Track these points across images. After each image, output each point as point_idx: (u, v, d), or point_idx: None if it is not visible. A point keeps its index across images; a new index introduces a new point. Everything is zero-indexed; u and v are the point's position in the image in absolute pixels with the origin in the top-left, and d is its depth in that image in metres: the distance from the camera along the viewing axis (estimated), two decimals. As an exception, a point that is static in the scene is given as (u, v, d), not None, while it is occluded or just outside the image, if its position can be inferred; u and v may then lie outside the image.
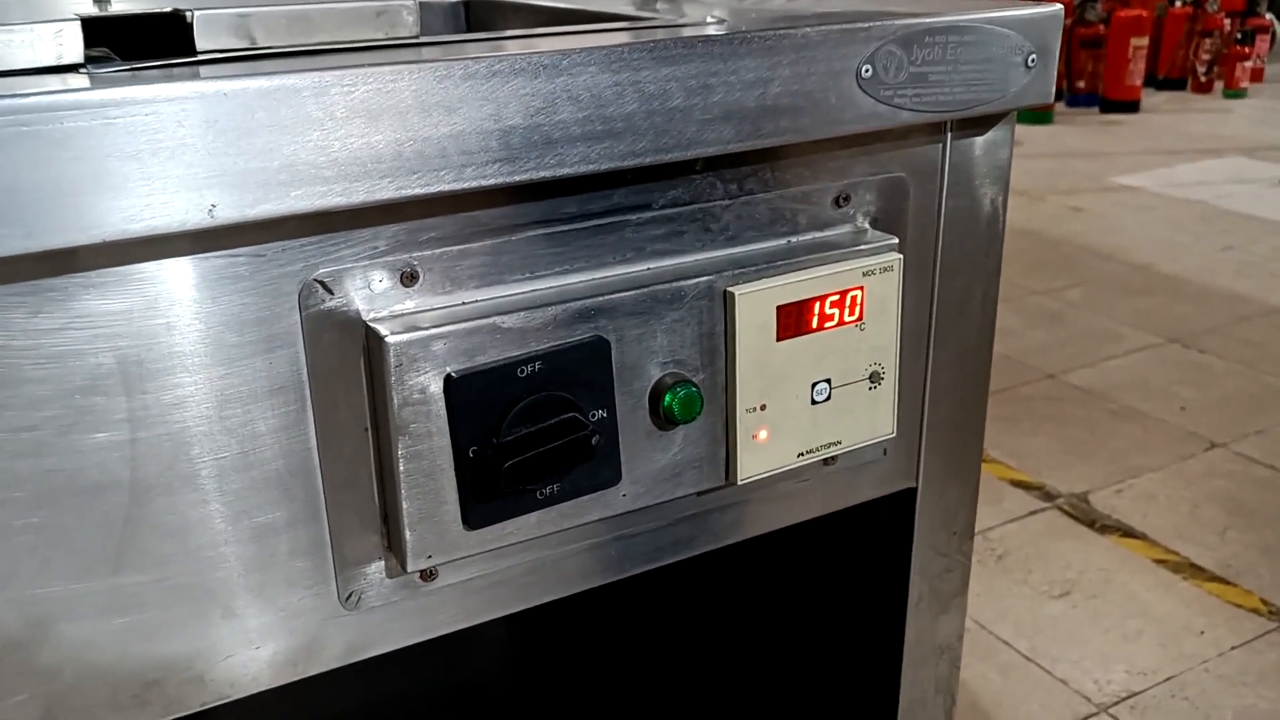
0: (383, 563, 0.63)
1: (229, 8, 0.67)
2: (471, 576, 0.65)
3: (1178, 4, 7.94)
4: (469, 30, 1.19)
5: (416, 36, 0.71)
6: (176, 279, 0.54)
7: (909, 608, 0.85)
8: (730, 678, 0.79)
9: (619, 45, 0.59)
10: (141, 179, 0.48)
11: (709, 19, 0.76)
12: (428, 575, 0.64)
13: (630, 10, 0.87)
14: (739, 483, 0.68)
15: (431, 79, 0.54)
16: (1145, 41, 7.37)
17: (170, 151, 0.49)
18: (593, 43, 0.63)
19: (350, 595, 0.63)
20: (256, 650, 0.62)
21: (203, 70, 0.58)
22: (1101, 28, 7.61)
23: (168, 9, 0.70)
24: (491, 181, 0.56)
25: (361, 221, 0.57)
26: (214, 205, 0.50)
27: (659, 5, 1.00)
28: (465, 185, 0.56)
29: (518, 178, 0.57)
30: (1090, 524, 2.29)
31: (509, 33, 0.73)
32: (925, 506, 0.82)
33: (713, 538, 0.73)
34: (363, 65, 0.53)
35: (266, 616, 0.61)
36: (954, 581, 0.86)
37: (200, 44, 0.66)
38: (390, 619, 0.64)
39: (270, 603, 0.61)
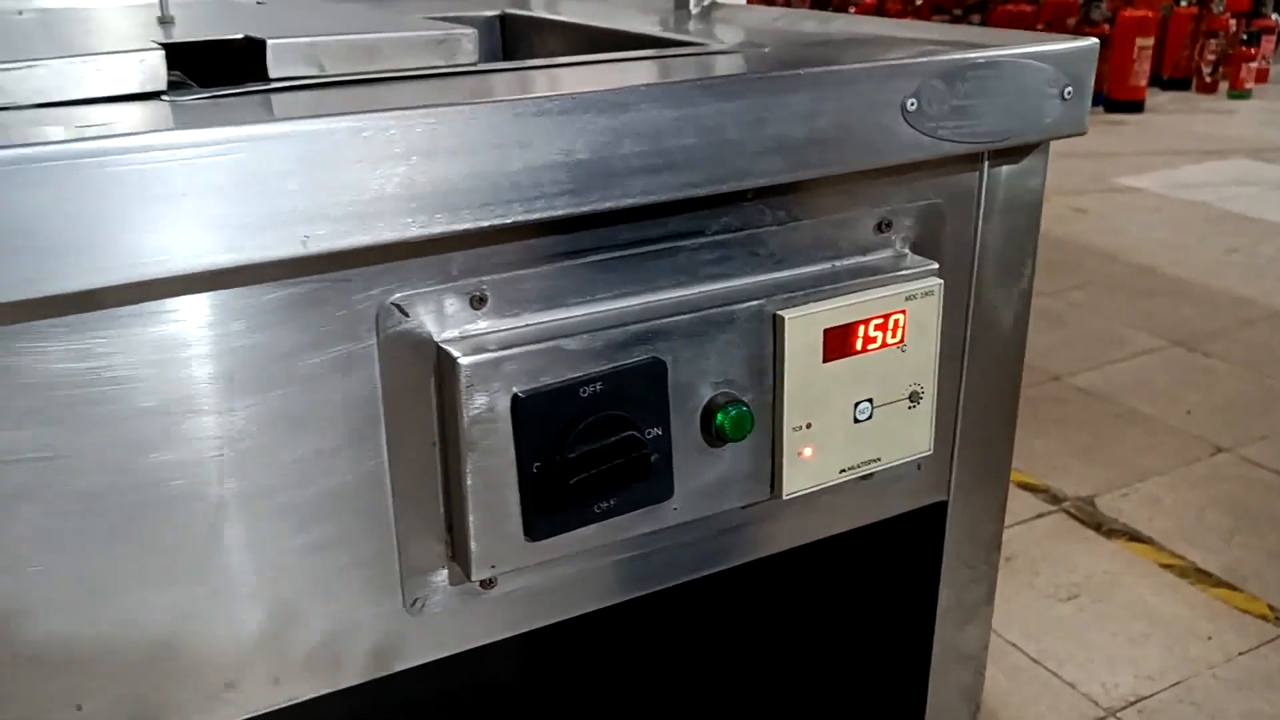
0: (445, 571, 0.66)
1: (299, 35, 0.70)
2: (527, 584, 0.68)
3: (1183, 4, 7.96)
4: (505, 46, 1.22)
5: (475, 64, 0.74)
6: (266, 303, 0.57)
7: (937, 617, 0.88)
8: (764, 683, 0.82)
9: (681, 82, 0.62)
10: (242, 212, 0.51)
11: (757, 45, 0.79)
12: (487, 583, 0.67)
13: (673, 34, 0.90)
14: (784, 497, 0.70)
15: (510, 116, 0.57)
16: (1150, 41, 7.39)
17: (268, 186, 0.51)
18: (653, 76, 0.66)
19: (415, 601, 0.66)
20: (325, 654, 0.64)
21: (283, 100, 0.61)
22: (1106, 27, 7.63)
23: (237, 35, 0.73)
24: (560, 212, 0.59)
25: (436, 248, 0.60)
26: (308, 236, 0.53)
27: (691, 26, 1.03)
28: (536, 216, 0.59)
29: (583, 208, 0.60)
30: (1097, 527, 2.32)
31: (562, 60, 0.75)
32: (955, 519, 0.85)
33: (753, 549, 0.76)
34: (446, 104, 0.55)
35: (335, 622, 0.64)
36: (980, 591, 0.89)
37: (272, 71, 0.68)
38: (451, 624, 0.67)
39: (339, 609, 0.64)
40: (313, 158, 0.52)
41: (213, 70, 0.75)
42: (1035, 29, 8.24)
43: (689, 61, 0.73)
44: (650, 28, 1.00)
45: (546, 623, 0.70)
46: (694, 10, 1.12)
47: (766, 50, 0.78)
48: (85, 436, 0.55)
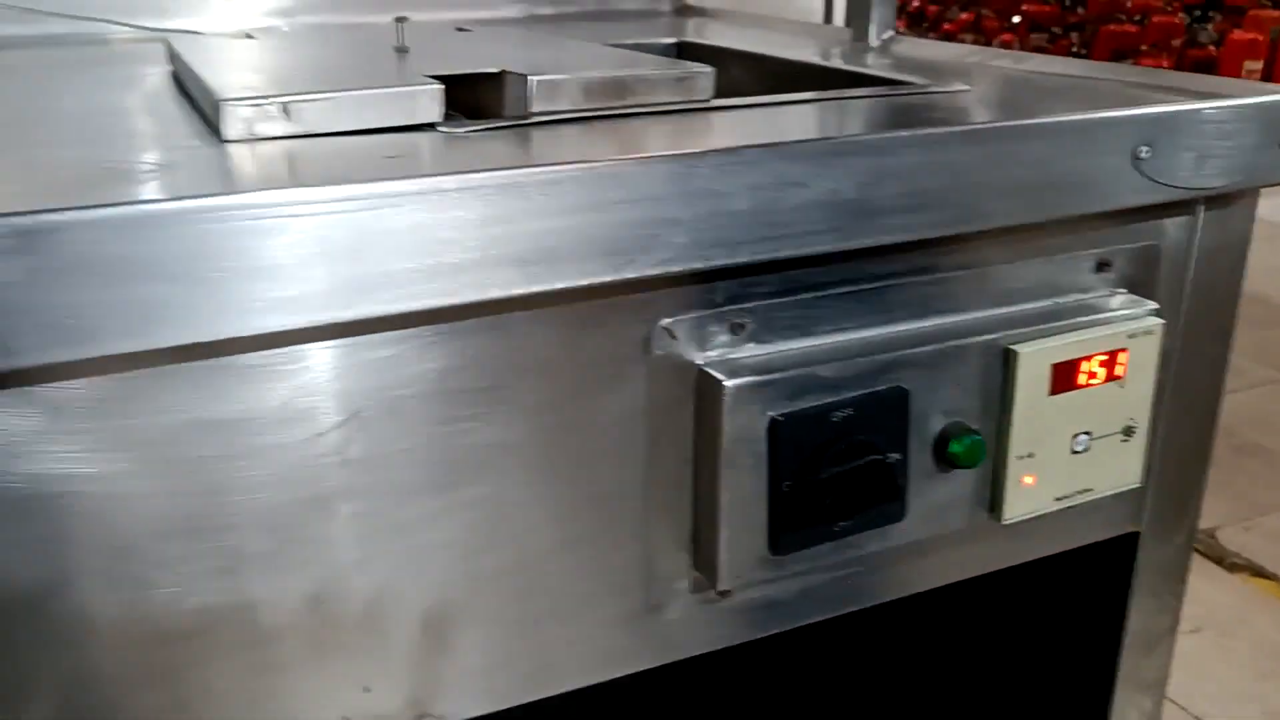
0: (687, 579, 0.70)
1: (552, 72, 0.74)
2: (760, 595, 0.72)
3: (1293, 28, 7.79)
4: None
5: (708, 100, 0.78)
6: (550, 321, 0.62)
7: (1123, 644, 0.90)
8: (955, 701, 0.86)
9: (938, 129, 0.65)
10: (562, 247, 0.56)
11: (966, 86, 0.82)
12: (724, 592, 0.71)
13: (878, 70, 0.94)
14: (1003, 523, 0.74)
15: (785, 158, 0.61)
16: (1259, 65, 7.26)
17: (573, 219, 0.56)
18: (890, 117, 0.70)
19: (655, 608, 0.70)
20: (573, 652, 0.69)
21: (554, 135, 0.66)
22: (1213, 49, 7.51)
23: (493, 69, 0.78)
24: (824, 248, 0.63)
25: (706, 277, 0.64)
26: (622, 262, 0.57)
27: (871, 59, 1.06)
28: (803, 252, 0.63)
29: (845, 245, 0.64)
30: (1219, 561, 2.30)
31: (793, 96, 0.79)
32: (1146, 549, 0.88)
33: (961, 570, 0.80)
34: (734, 146, 0.60)
35: (584, 621, 0.69)
36: (1165, 621, 0.92)
37: (533, 105, 0.73)
38: (686, 630, 0.72)
39: (588, 609, 0.68)
40: (615, 195, 0.57)
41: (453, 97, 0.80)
42: (1140, 50, 8.12)
43: (922, 102, 0.77)
44: (840, 61, 1.04)
45: (774, 631, 0.74)
46: (874, 44, 1.16)
47: (975, 91, 0.82)
48: (380, 440, 0.60)
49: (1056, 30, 9.33)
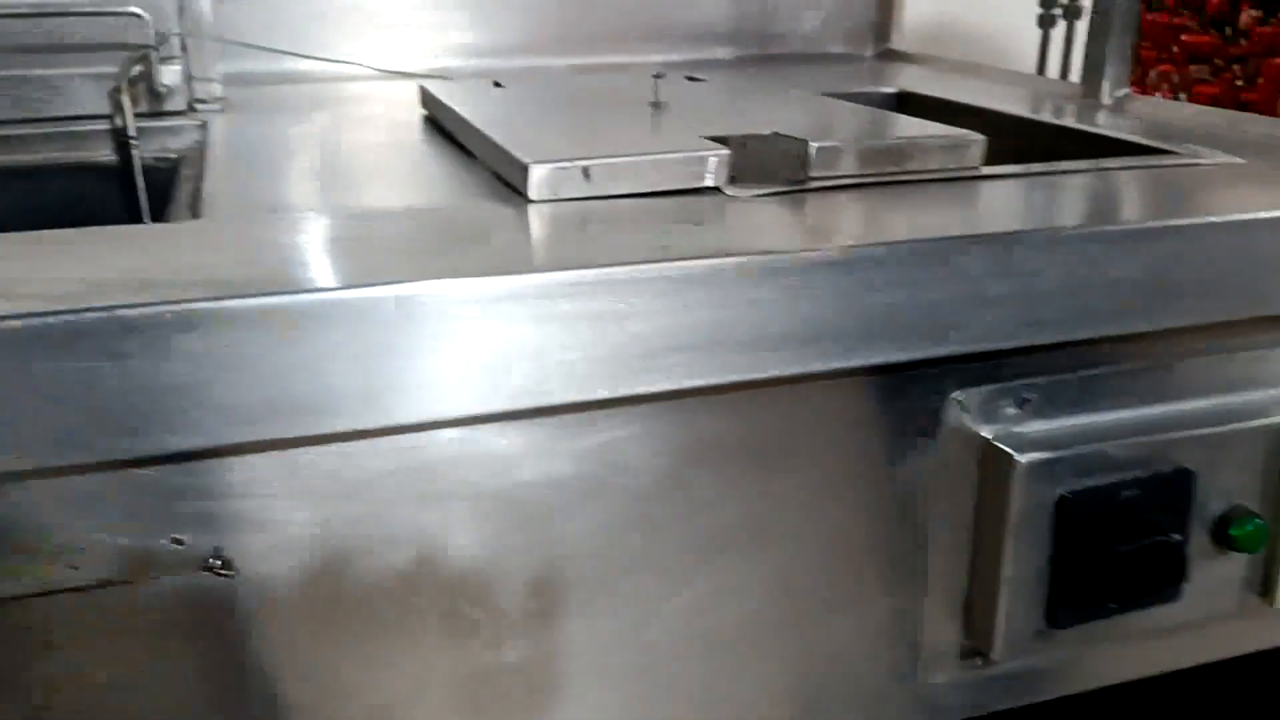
0: (957, 643, 0.71)
1: (828, 138, 0.76)
2: (1025, 664, 0.73)
3: None
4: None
5: (977, 168, 0.79)
6: (847, 393, 0.63)
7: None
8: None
9: (1245, 219, 0.65)
10: (882, 322, 0.58)
11: (1233, 159, 0.82)
12: (990, 660, 0.72)
13: (1131, 136, 0.93)
14: (1276, 606, 0.73)
15: (1098, 240, 0.62)
16: None
17: (896, 294, 0.58)
18: (1169, 191, 0.70)
19: (926, 671, 0.71)
20: (842, 709, 0.70)
21: (835, 201, 0.68)
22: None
23: (766, 131, 0.80)
24: (1123, 330, 0.64)
25: (996, 352, 0.65)
26: (936, 341, 0.59)
27: (1103, 117, 1.05)
28: (1105, 333, 0.64)
29: (1142, 328, 0.65)
30: None
31: (1058, 166, 0.80)
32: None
33: (1224, 649, 0.79)
34: (1039, 228, 0.61)
35: (854, 679, 0.70)
36: None
37: (812, 169, 0.75)
38: (953, 695, 0.72)
39: (858, 667, 0.70)
40: (938, 272, 0.59)
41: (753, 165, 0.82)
42: (1310, 86, 7.78)
43: (1204, 176, 0.77)
44: (1080, 121, 1.03)
45: (1033, 701, 0.74)
46: (1107, 101, 1.14)
47: (1249, 164, 0.81)
48: (675, 499, 0.62)
49: (1219, 63, 9.04)
